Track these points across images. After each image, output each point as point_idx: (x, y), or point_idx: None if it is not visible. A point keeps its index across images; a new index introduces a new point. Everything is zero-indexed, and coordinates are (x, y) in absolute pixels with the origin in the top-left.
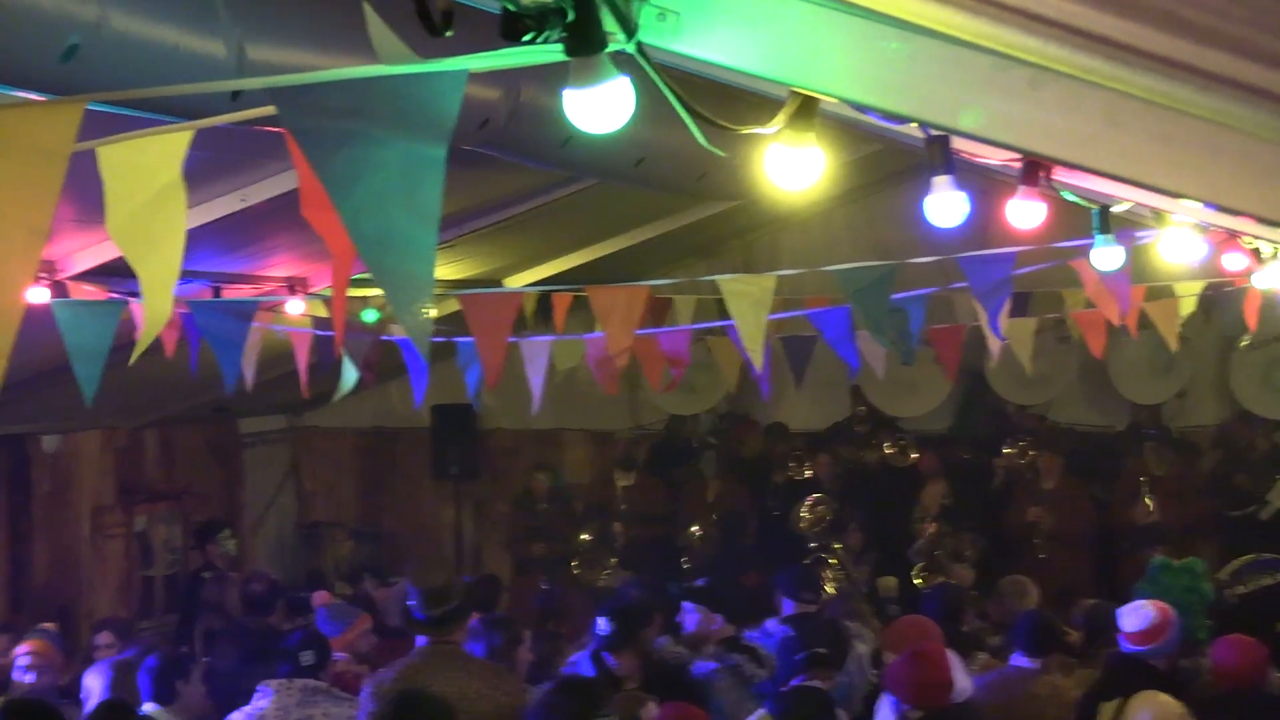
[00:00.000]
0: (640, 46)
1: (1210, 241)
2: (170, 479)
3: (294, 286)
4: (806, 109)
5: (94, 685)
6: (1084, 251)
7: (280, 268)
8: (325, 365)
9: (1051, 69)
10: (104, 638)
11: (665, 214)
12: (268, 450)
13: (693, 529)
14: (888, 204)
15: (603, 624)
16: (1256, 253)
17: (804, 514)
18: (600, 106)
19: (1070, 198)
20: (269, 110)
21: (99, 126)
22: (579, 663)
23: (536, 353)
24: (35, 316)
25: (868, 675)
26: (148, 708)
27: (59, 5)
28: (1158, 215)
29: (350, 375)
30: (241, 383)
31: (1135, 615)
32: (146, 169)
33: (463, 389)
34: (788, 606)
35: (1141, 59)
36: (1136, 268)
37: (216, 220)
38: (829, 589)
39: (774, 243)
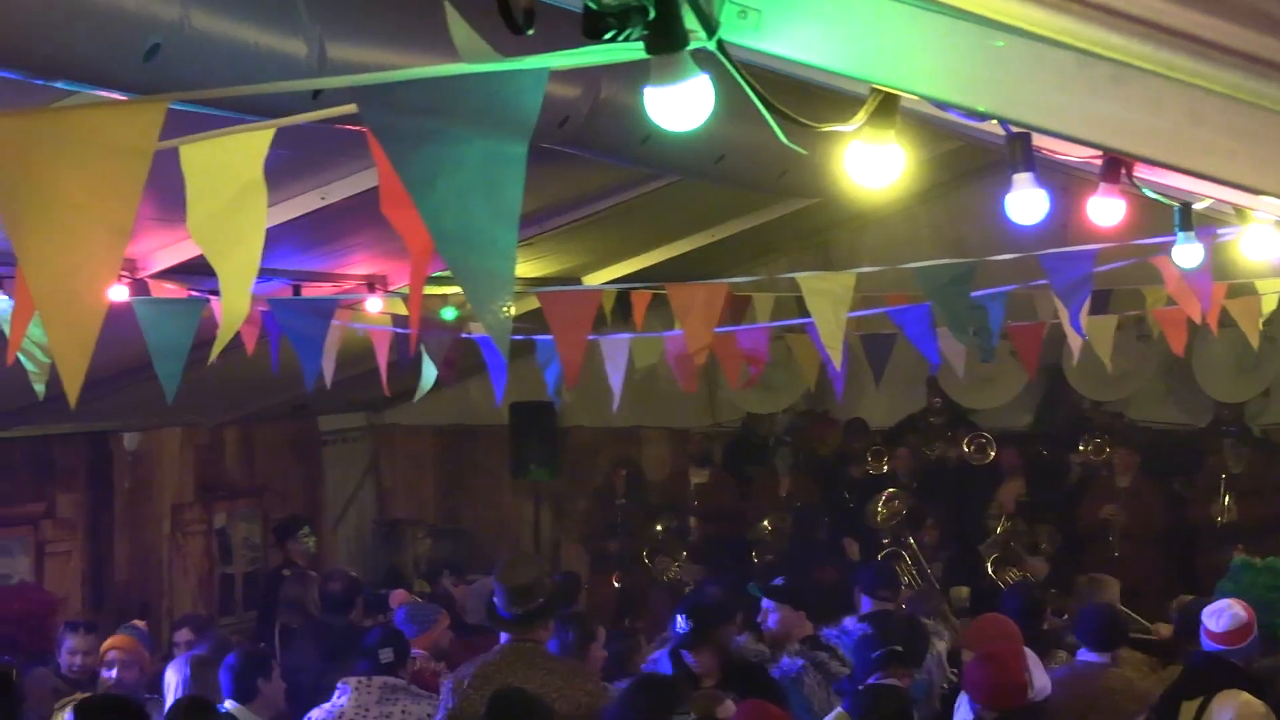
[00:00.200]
0: (721, 44)
1: None
2: (250, 476)
3: (373, 284)
4: (887, 106)
5: (172, 681)
6: (1165, 249)
7: (359, 265)
8: (405, 363)
9: (1134, 66)
10: (183, 634)
11: (745, 211)
12: (347, 448)
13: (763, 524)
14: (967, 201)
15: (681, 622)
16: None
17: (879, 508)
18: (681, 104)
19: (1151, 195)
20: (350, 109)
21: (181, 125)
22: (659, 660)
23: (616, 350)
24: (117, 315)
25: (946, 674)
26: (228, 705)
27: (141, 5)
28: (1239, 212)
29: (430, 373)
30: (321, 381)
31: (1221, 615)
32: (228, 168)
33: (542, 387)
34: (866, 604)
35: (1225, 55)
36: (1217, 265)
37: (296, 218)
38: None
39: (853, 240)
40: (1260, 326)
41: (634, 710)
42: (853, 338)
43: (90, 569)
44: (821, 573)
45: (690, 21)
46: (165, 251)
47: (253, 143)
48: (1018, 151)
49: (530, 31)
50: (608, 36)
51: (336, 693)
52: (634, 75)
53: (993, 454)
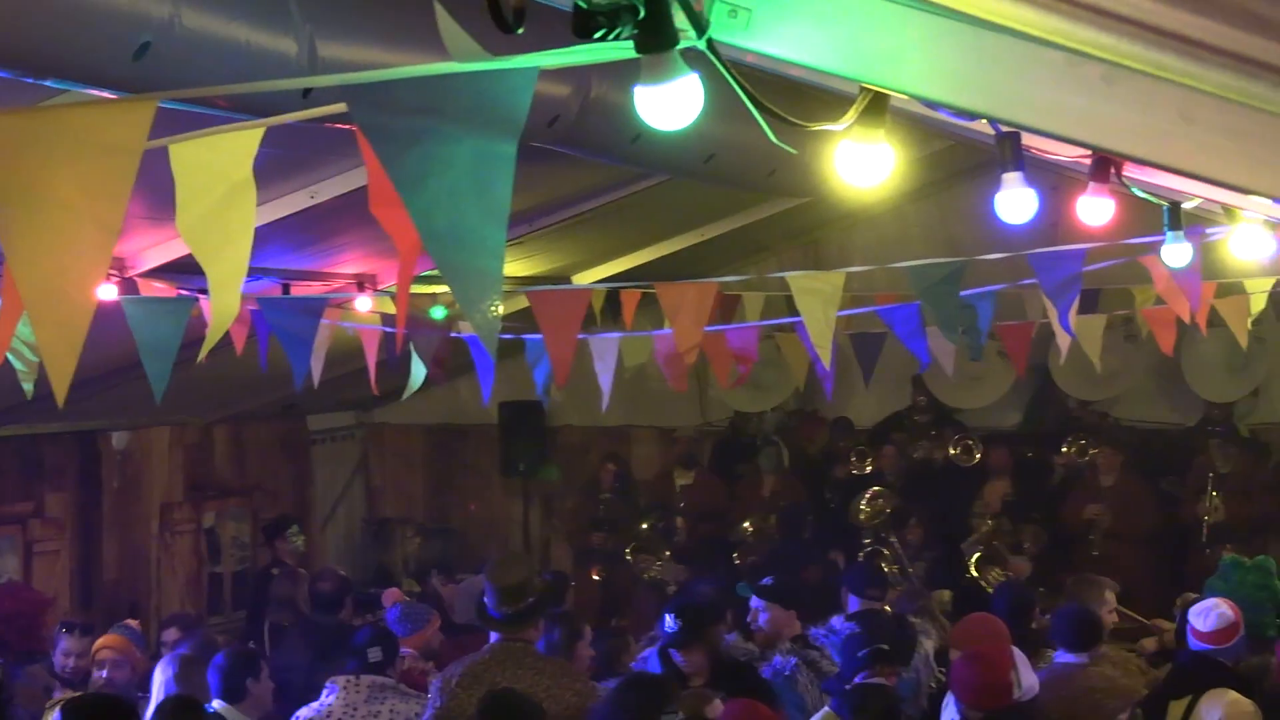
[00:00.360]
0: (711, 43)
1: None
2: (239, 475)
3: (362, 283)
4: (877, 105)
5: (158, 680)
6: (1154, 248)
7: (349, 264)
8: (394, 362)
9: (1125, 65)
10: (171, 633)
11: (735, 210)
12: (337, 447)
13: (744, 525)
14: (957, 200)
15: (670, 621)
16: None
17: (863, 506)
18: (670, 103)
19: (1140, 194)
20: (340, 107)
21: (170, 124)
22: (648, 659)
23: (605, 350)
24: (105, 313)
25: (934, 673)
26: (216, 704)
27: (132, 3)
28: (1228, 211)
29: (419, 372)
30: (310, 380)
31: (1208, 615)
32: (217, 166)
33: (531, 386)
34: (853, 603)
35: (1215, 55)
36: (1206, 264)
37: (286, 217)
38: None
39: (843, 239)
40: (1249, 326)
41: (623, 709)
42: (842, 337)
43: (78, 568)
44: (807, 573)
45: (680, 20)
46: (154, 250)
47: (242, 142)
48: (1007, 151)
49: (520, 30)
50: (598, 35)
51: (325, 692)
52: (624, 74)
53: (978, 455)
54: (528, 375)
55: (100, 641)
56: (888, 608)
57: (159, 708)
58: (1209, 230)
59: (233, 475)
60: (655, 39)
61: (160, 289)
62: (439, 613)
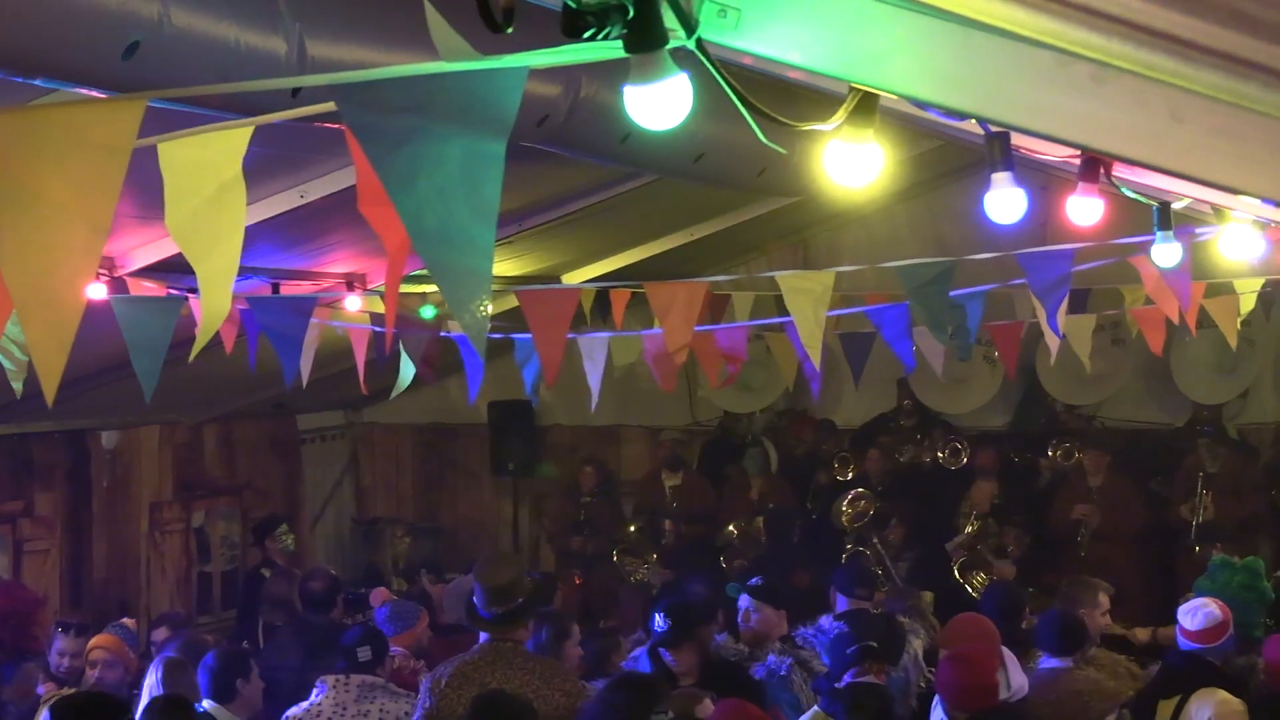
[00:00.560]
0: (700, 43)
1: (1270, 238)
2: (229, 475)
3: (352, 283)
4: (866, 105)
5: (149, 680)
6: (1143, 248)
7: (339, 264)
8: (383, 361)
9: (1115, 65)
10: (161, 633)
11: (724, 210)
12: (326, 446)
13: (729, 528)
14: (947, 200)
15: (660, 620)
16: None
17: (844, 508)
18: (660, 103)
19: (1130, 194)
20: (329, 107)
21: (160, 123)
22: (639, 659)
23: (594, 349)
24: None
25: (923, 673)
26: (206, 704)
27: (121, 3)
28: (1218, 212)
29: (407, 371)
30: (299, 379)
31: (1196, 614)
32: (207, 166)
33: (521, 385)
34: (841, 603)
35: (1205, 55)
36: (1196, 265)
37: (275, 216)
38: None
39: (833, 239)
40: (1239, 326)
41: (613, 709)
42: (831, 337)
43: (68, 567)
44: (795, 576)
45: (669, 20)
46: (144, 249)
47: (231, 141)
48: (997, 151)
49: (509, 30)
50: (587, 35)
51: (314, 691)
52: (613, 74)
53: (965, 458)
54: (517, 375)
55: (93, 641)
56: (876, 608)
57: (148, 707)
58: (1198, 230)
59: (222, 474)
60: (644, 39)
61: (150, 288)
62: (427, 611)
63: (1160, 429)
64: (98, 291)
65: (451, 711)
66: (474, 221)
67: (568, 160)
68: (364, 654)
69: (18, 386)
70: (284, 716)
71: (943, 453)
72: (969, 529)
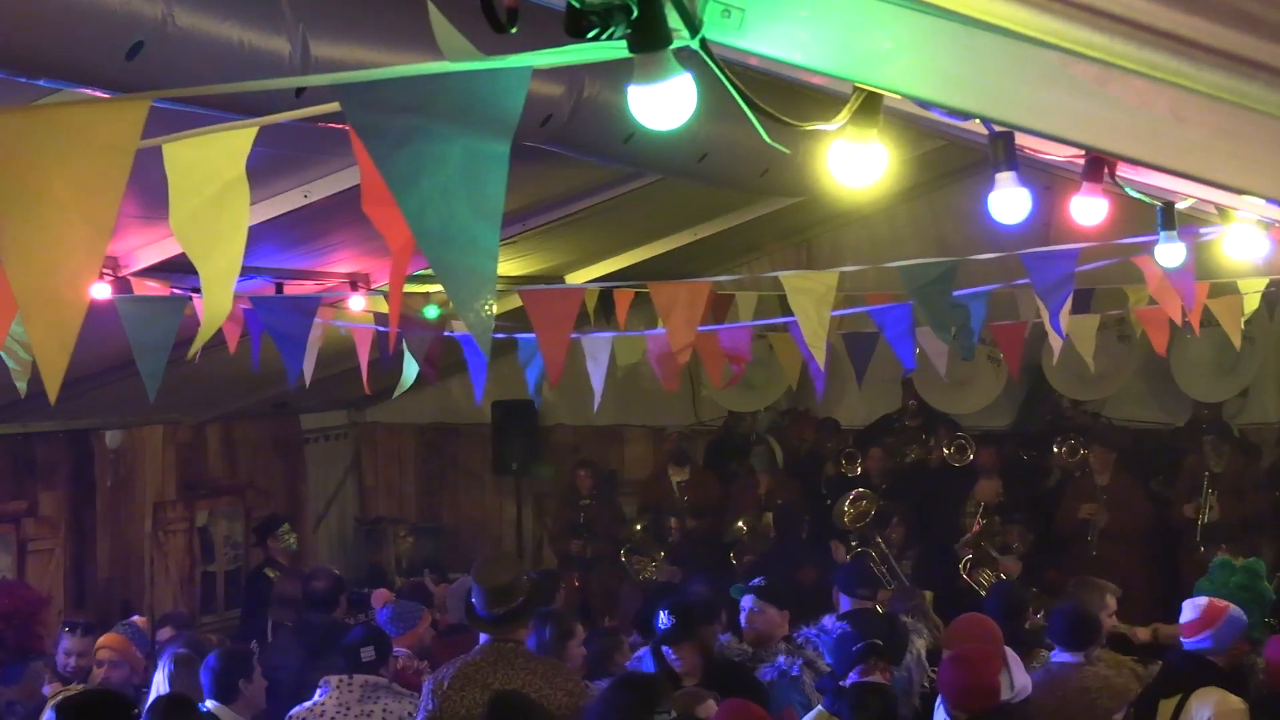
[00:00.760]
0: (704, 43)
1: (1274, 238)
2: (232, 474)
3: (356, 283)
4: (870, 105)
5: (156, 680)
6: (1147, 248)
7: (342, 264)
8: (387, 361)
9: (1118, 65)
10: (165, 632)
11: (728, 210)
12: (329, 446)
13: (738, 524)
14: (950, 200)
15: (664, 618)
16: None
17: (846, 509)
18: (664, 103)
19: (1133, 194)
20: (333, 107)
21: (164, 123)
22: (643, 658)
23: (598, 349)
24: (99, 312)
25: (926, 672)
26: (209, 704)
27: (125, 3)
28: (1221, 212)
29: (410, 371)
30: (303, 379)
31: (1188, 609)
32: (210, 166)
33: (524, 385)
34: (845, 602)
35: (1208, 55)
36: (1200, 264)
37: (279, 216)
38: None
39: (836, 239)
40: (1242, 326)
41: (615, 709)
42: (835, 337)
43: (72, 567)
44: (804, 573)
45: (673, 20)
46: (148, 249)
47: (235, 141)
48: (1000, 150)
49: (513, 30)
50: (590, 35)
51: (318, 691)
52: (617, 74)
53: (971, 455)
54: (520, 374)
55: (100, 641)
56: (879, 607)
57: (152, 706)
58: (1202, 230)
59: (225, 474)
60: (648, 38)
61: (154, 288)
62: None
63: (1161, 428)
64: (102, 291)
65: (454, 713)
66: (478, 221)
67: (571, 160)
68: (367, 654)
69: (22, 386)
70: (287, 716)
71: (949, 448)
72: (976, 526)
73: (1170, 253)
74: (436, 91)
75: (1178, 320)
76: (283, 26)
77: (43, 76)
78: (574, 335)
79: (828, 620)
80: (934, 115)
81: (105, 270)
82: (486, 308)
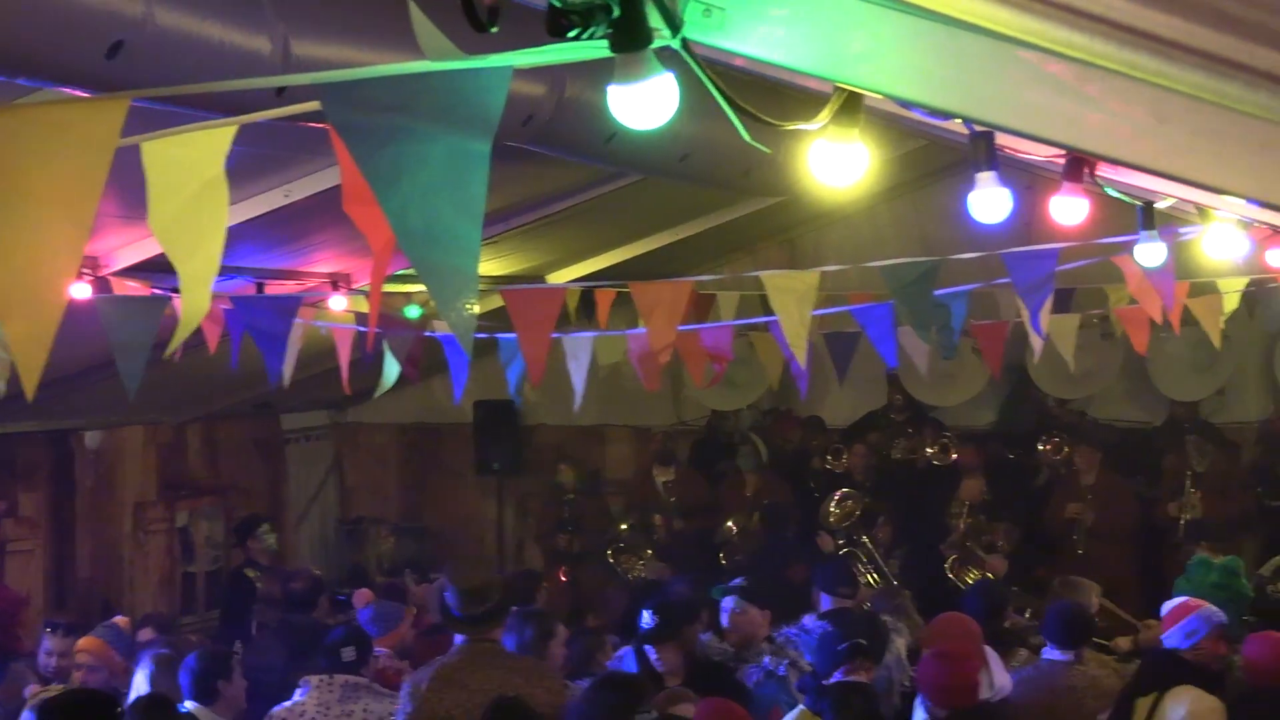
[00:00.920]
0: (685, 42)
1: (1253, 238)
2: (213, 475)
3: (337, 282)
4: (851, 105)
5: (137, 678)
6: (1127, 248)
7: (323, 263)
8: (367, 361)
9: (1098, 65)
10: (145, 633)
11: (709, 210)
12: (310, 446)
13: (728, 524)
14: (931, 200)
15: (647, 617)
16: None
17: (832, 509)
18: (645, 103)
19: (1114, 194)
20: (314, 106)
21: (143, 122)
22: (625, 658)
23: (579, 349)
24: (78, 312)
25: (906, 671)
26: (189, 705)
27: (105, 2)
28: (1201, 211)
29: (391, 371)
30: (283, 378)
31: (1166, 607)
32: (190, 165)
33: (505, 385)
34: (825, 602)
35: (1188, 55)
36: (1180, 264)
37: (260, 216)
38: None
39: (818, 239)
40: (1222, 325)
41: (596, 709)
42: (816, 336)
43: (52, 567)
44: (793, 571)
45: (655, 20)
46: (127, 249)
47: (215, 140)
48: (981, 150)
49: (494, 29)
50: (572, 35)
51: (298, 691)
52: (598, 73)
53: (954, 455)
54: (501, 374)
55: (79, 644)
56: (865, 605)
57: (131, 707)
58: (1182, 230)
59: (206, 474)
60: (629, 38)
61: (134, 288)
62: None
63: (1140, 427)
64: (82, 291)
65: (433, 714)
66: (459, 221)
67: (553, 160)
68: (348, 654)
69: (1, 386)
70: (267, 716)
71: (933, 448)
72: (961, 524)
73: (1150, 252)
74: (418, 91)
75: (1158, 320)
76: (264, 26)
77: (22, 75)
78: (555, 335)
79: (808, 620)
80: (915, 115)
81: (85, 270)
82: (468, 307)
